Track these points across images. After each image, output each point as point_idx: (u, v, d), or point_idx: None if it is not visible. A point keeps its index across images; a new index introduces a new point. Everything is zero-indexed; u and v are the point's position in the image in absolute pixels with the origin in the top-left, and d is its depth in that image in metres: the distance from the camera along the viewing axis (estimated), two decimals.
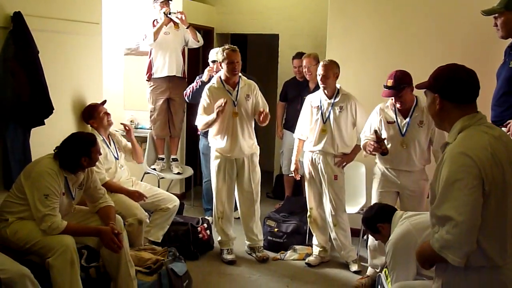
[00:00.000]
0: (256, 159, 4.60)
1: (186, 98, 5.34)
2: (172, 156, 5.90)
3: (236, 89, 4.37)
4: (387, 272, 3.35)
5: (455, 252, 1.97)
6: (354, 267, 4.44)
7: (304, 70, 5.41)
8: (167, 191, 5.13)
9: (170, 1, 5.51)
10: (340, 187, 4.36)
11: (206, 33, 6.60)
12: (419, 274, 2.99)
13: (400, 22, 4.74)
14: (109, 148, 4.30)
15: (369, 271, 4.22)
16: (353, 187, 4.75)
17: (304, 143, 4.48)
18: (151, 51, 5.62)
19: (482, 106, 2.20)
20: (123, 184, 4.31)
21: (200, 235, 4.68)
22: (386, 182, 4.03)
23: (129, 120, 6.11)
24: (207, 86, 4.44)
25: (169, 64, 5.55)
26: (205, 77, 5.13)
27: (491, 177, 1.99)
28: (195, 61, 6.51)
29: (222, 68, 4.37)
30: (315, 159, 4.38)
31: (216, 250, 4.79)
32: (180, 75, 5.66)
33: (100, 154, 3.57)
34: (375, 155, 4.03)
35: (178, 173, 5.81)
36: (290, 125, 5.33)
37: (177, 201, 4.54)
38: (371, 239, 4.12)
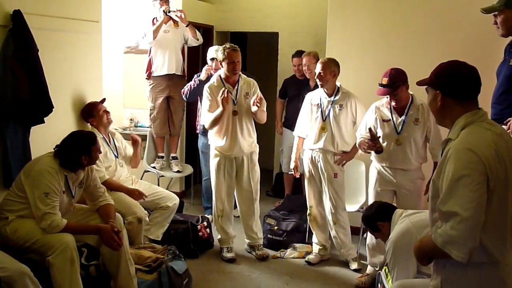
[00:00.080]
0: (256, 157, 4.60)
1: (183, 97, 5.34)
2: (172, 154, 5.90)
3: (236, 87, 4.37)
4: (387, 270, 3.35)
5: (459, 248, 1.96)
6: (354, 265, 4.44)
7: (304, 68, 5.41)
8: (167, 189, 5.13)
9: None
10: (340, 185, 4.36)
11: (206, 31, 6.60)
12: (420, 272, 3.00)
13: (400, 19, 4.74)
14: (109, 146, 4.30)
15: (369, 269, 4.22)
16: (353, 185, 4.76)
17: (304, 141, 4.48)
18: (150, 49, 5.61)
19: (482, 104, 2.20)
20: (122, 183, 4.31)
21: (200, 233, 4.69)
22: (383, 180, 4.03)
23: (129, 118, 6.12)
24: (207, 85, 4.43)
25: (168, 62, 5.54)
26: (202, 75, 5.13)
27: (495, 174, 2.00)
28: (195, 59, 6.50)
29: (222, 66, 4.36)
30: (315, 157, 4.38)
31: (216, 248, 4.79)
32: (180, 74, 5.66)
33: (100, 152, 3.57)
34: (369, 153, 4.03)
35: (178, 171, 5.81)
36: (290, 123, 5.33)
37: (177, 199, 4.54)
38: (369, 238, 4.13)
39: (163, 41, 5.50)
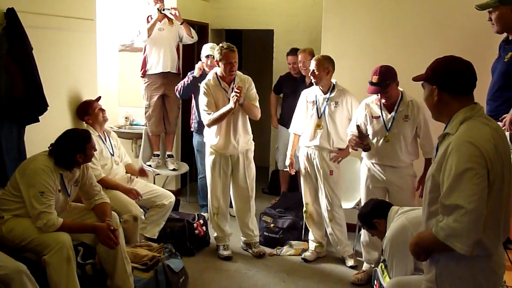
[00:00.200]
0: (251, 155, 4.59)
1: (177, 94, 5.34)
2: (168, 153, 5.88)
3: (232, 86, 4.35)
4: (383, 266, 3.36)
5: (463, 241, 1.97)
6: (350, 262, 4.45)
7: (299, 65, 5.41)
8: (162, 187, 5.12)
9: None
10: (335, 182, 4.37)
11: (201, 29, 6.58)
12: (417, 269, 3.00)
13: (395, 16, 4.75)
14: (104, 144, 4.29)
15: (365, 266, 4.23)
16: (348, 182, 4.76)
17: (300, 138, 4.48)
18: (145, 47, 5.60)
19: (477, 101, 2.22)
20: (119, 181, 4.30)
21: (196, 231, 4.68)
22: (373, 178, 4.04)
23: (124, 116, 6.11)
24: (204, 82, 4.42)
25: (163, 60, 5.53)
26: (196, 72, 5.13)
27: (495, 168, 2.03)
28: (190, 57, 6.49)
29: (219, 66, 4.34)
30: (310, 154, 4.38)
31: (212, 246, 4.79)
32: (175, 71, 5.65)
33: (95, 150, 3.57)
34: (357, 150, 4.05)
35: (174, 170, 5.81)
36: (286, 121, 5.33)
37: (172, 198, 4.53)
38: (363, 235, 4.14)
39: (157, 39, 5.49)
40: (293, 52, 5.63)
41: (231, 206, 4.76)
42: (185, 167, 5.98)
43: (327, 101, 4.27)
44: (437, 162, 2.13)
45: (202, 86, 4.40)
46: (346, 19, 4.91)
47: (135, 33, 5.66)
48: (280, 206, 5.15)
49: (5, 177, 3.44)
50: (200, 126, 5.06)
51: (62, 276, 3.10)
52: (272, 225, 4.88)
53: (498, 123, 3.00)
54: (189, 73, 5.30)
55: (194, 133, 5.47)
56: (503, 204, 2.10)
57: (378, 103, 3.94)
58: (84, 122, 4.29)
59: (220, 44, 4.31)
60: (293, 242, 4.78)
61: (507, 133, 3.02)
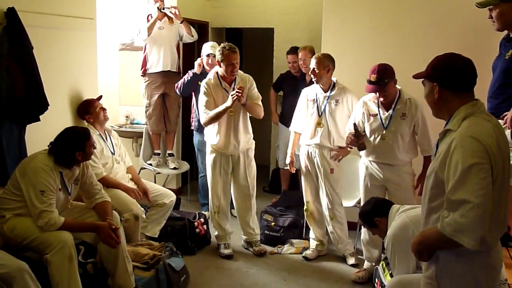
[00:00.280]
0: (252, 153, 4.59)
1: (177, 91, 5.34)
2: (168, 151, 5.89)
3: (233, 86, 4.34)
4: (384, 265, 3.36)
5: (470, 235, 1.96)
6: (351, 260, 4.45)
7: (300, 63, 5.40)
8: (163, 186, 5.13)
9: None
10: (336, 181, 4.37)
11: (201, 27, 6.58)
12: (419, 268, 3.00)
13: (396, 15, 4.74)
14: (105, 143, 4.29)
15: (366, 264, 4.23)
16: (349, 180, 4.74)
17: (300, 137, 4.48)
18: (145, 46, 5.60)
19: (478, 98, 2.22)
20: (120, 180, 4.30)
21: (197, 230, 4.68)
22: (371, 176, 4.04)
23: (125, 115, 6.11)
24: (204, 81, 4.41)
25: (163, 59, 5.53)
26: (196, 68, 5.14)
27: (498, 164, 2.04)
28: (190, 56, 6.48)
29: (220, 66, 4.33)
30: (311, 152, 4.38)
31: (213, 245, 4.79)
32: (175, 70, 5.65)
33: (95, 148, 3.58)
34: (352, 148, 4.06)
35: (174, 168, 5.81)
36: (286, 119, 5.32)
37: (173, 196, 4.54)
38: (363, 233, 4.14)
39: (158, 38, 5.49)
40: (293, 51, 5.62)
41: (232, 207, 4.77)
42: (185, 166, 5.98)
43: (327, 99, 4.26)
44: (440, 159, 2.12)
45: (203, 85, 4.39)
46: (346, 18, 4.91)
47: (135, 32, 5.66)
48: (281, 204, 5.15)
49: (6, 176, 3.45)
50: (201, 124, 5.05)
51: (64, 275, 3.10)
52: (273, 223, 4.88)
53: (499, 120, 3.01)
54: (189, 71, 5.30)
55: (194, 131, 5.46)
56: (502, 200, 2.11)
57: (376, 101, 3.94)
58: (85, 121, 4.29)
59: (222, 45, 4.29)
60: (294, 241, 4.78)
61: (508, 131, 3.02)
